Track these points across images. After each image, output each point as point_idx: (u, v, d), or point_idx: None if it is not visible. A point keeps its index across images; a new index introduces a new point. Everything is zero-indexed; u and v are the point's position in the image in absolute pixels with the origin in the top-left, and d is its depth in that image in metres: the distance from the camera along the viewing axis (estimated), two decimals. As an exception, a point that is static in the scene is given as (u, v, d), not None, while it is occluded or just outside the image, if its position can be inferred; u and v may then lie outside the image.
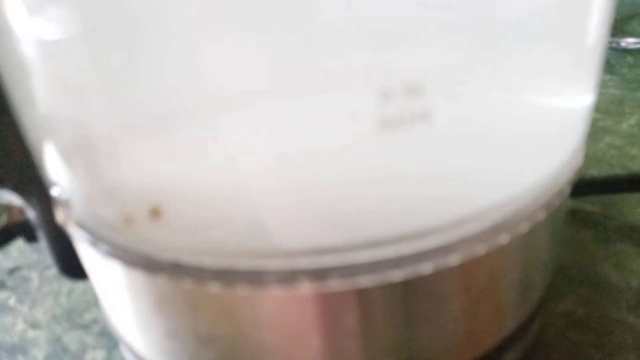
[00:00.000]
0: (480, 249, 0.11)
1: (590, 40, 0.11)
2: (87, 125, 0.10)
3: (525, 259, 0.12)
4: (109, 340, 0.18)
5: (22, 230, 0.17)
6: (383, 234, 0.10)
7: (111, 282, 0.13)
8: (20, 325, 0.19)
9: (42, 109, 0.11)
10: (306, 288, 0.10)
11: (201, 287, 0.11)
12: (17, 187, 0.15)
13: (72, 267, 0.16)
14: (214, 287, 0.11)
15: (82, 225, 0.12)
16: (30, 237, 0.17)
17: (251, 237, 0.10)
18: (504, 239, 0.11)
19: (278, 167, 0.10)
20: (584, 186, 0.21)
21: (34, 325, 0.19)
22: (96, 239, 0.12)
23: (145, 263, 0.11)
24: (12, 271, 0.22)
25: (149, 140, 0.10)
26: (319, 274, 0.10)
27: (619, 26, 0.41)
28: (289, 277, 0.10)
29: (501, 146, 0.10)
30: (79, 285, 0.21)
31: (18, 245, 0.23)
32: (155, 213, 0.10)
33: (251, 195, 0.10)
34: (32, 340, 0.18)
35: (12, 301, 0.20)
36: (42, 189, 0.14)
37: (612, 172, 0.23)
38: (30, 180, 0.15)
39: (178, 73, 0.09)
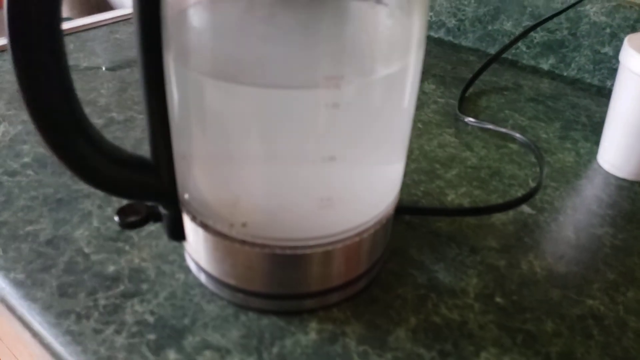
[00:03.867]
0: (350, 242, 0.32)
1: (404, 140, 0.33)
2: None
3: (370, 245, 0.34)
4: (186, 270, 0.38)
5: (153, 216, 0.36)
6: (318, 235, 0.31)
7: (204, 245, 0.33)
8: (136, 260, 0.39)
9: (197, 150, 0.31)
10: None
11: (262, 250, 0.31)
12: (164, 202, 0.34)
13: (177, 235, 0.36)
14: (270, 251, 0.31)
15: (196, 217, 0.32)
16: (157, 220, 0.36)
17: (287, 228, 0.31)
18: (358, 238, 0.32)
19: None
20: (414, 210, 0.43)
21: (144, 260, 0.39)
22: (208, 228, 0.32)
23: (230, 239, 0.32)
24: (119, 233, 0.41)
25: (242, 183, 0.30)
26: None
27: (471, 104, 0.64)
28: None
29: (369, 195, 0.32)
30: (160, 242, 0.40)
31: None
32: (244, 225, 0.30)
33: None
34: (145, 268, 0.38)
35: (127, 247, 0.40)
36: (174, 200, 0.34)
37: (433, 203, 0.46)
38: (170, 197, 0.34)
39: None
